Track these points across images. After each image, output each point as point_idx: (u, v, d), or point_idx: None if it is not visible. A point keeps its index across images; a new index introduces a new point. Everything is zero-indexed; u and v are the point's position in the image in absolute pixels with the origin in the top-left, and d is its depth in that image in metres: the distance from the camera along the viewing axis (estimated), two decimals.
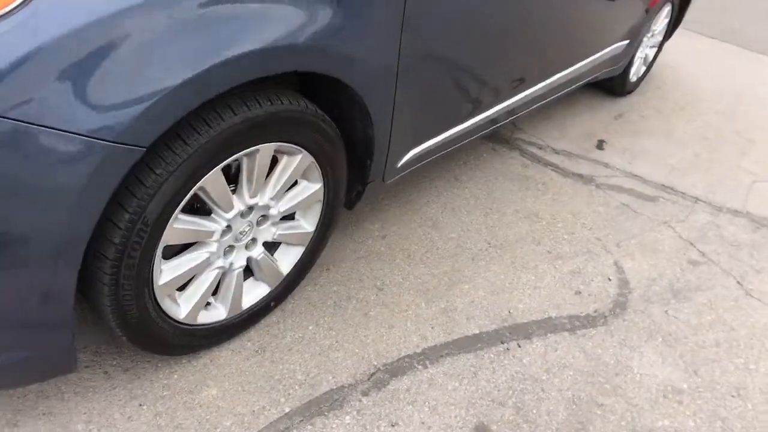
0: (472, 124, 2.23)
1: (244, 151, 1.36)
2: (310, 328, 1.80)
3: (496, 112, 2.32)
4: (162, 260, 1.40)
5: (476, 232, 2.34)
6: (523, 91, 2.48)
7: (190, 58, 1.11)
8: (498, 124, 2.48)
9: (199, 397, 1.56)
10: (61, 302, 1.15)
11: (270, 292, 1.74)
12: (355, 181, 1.85)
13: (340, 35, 1.39)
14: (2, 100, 0.93)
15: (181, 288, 1.50)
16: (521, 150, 3.01)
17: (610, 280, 2.21)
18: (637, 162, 3.08)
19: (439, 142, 2.09)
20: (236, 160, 1.39)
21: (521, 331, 1.92)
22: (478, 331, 1.90)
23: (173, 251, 1.45)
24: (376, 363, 1.73)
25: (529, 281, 2.14)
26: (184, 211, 1.38)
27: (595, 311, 2.06)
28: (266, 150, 1.41)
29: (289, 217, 1.72)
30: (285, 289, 1.78)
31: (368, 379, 1.68)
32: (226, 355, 1.68)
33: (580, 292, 2.13)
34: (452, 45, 1.78)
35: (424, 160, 2.10)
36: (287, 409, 1.58)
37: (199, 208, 1.42)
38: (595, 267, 2.28)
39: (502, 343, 1.87)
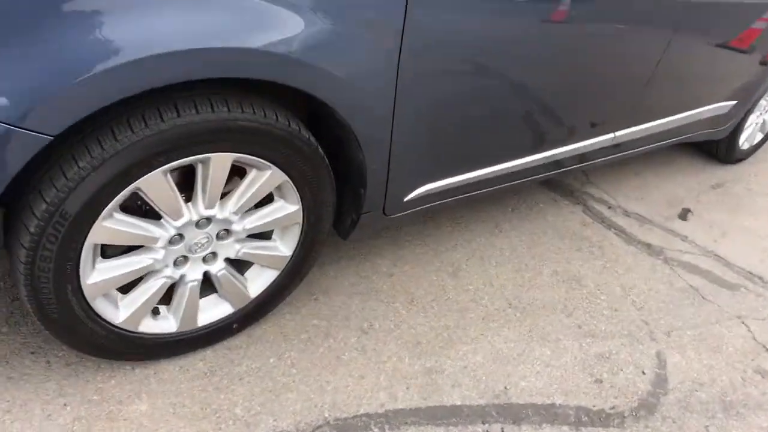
0: (510, 168, 1.98)
1: (191, 157, 1.24)
2: (272, 360, 1.65)
3: (546, 158, 2.05)
4: (100, 259, 1.32)
5: (499, 288, 2.08)
6: (585, 139, 2.18)
7: (115, 46, 1.02)
8: (551, 172, 2.20)
9: (126, 409, 1.45)
10: None
11: (234, 313, 1.61)
12: (350, 209, 1.69)
13: (317, 48, 1.25)
14: None
15: (126, 291, 1.42)
16: (586, 206, 2.67)
17: (644, 373, 1.85)
18: (725, 241, 2.62)
19: (462, 181, 1.87)
20: (186, 165, 1.28)
21: (511, 414, 1.64)
22: (459, 403, 1.64)
23: (120, 251, 1.37)
24: (327, 415, 1.54)
25: (543, 356, 1.84)
26: (128, 211, 1.30)
27: (612, 408, 1.71)
28: (220, 159, 1.29)
29: (265, 236, 1.58)
30: (252, 312, 1.65)
31: (312, 431, 1.49)
32: (172, 370, 1.56)
33: (601, 381, 1.79)
34: (472, 74, 1.57)
35: (443, 199, 1.89)
36: None
37: (148, 211, 1.33)
38: (631, 355, 1.92)
39: (483, 423, 1.60)
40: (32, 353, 1.53)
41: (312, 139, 1.41)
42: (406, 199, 1.74)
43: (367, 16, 1.29)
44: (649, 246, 2.49)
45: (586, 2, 1.71)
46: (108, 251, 1.36)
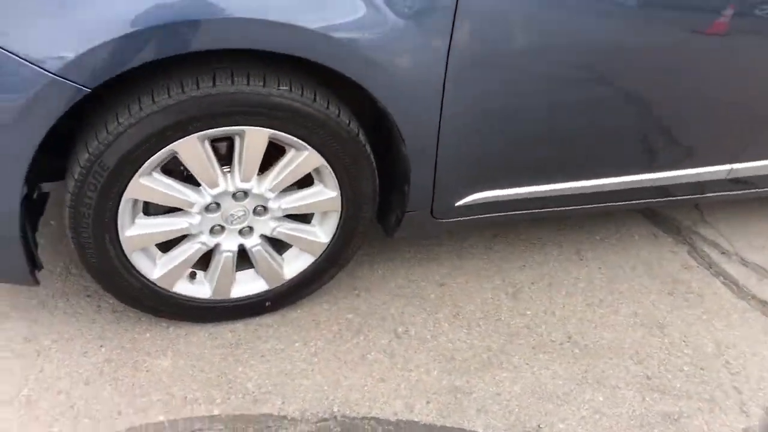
0: (592, 188, 1.79)
1: (225, 128, 1.29)
2: (297, 344, 1.65)
3: (639, 182, 1.83)
4: (141, 215, 1.41)
5: (562, 319, 1.90)
6: (691, 167, 1.92)
7: (154, 7, 1.09)
8: (647, 200, 1.98)
9: (151, 362, 1.54)
10: (4, 210, 1.22)
11: (268, 291, 1.64)
12: (396, 205, 1.64)
13: (362, 31, 1.23)
14: None
15: (167, 251, 1.50)
16: (693, 247, 2.36)
17: None
18: None
19: (531, 195, 1.73)
20: (225, 136, 1.33)
21: None
22: (481, 431, 1.52)
23: (162, 211, 1.45)
24: (336, 410, 1.50)
25: (594, 401, 1.65)
26: (170, 174, 1.37)
27: None
28: (255, 134, 1.32)
29: (306, 220, 1.59)
30: (287, 293, 1.66)
31: (315, 422, 1.47)
32: (201, 335, 1.63)
33: None
34: (543, 72, 1.45)
35: (505, 211, 1.77)
36: (216, 412, 1.46)
37: (189, 177, 1.40)
38: (708, 424, 1.65)
39: None
40: (88, 296, 1.68)
41: (353, 124, 1.40)
42: (457, 204, 1.65)
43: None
44: (765, 304, 2.14)
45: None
46: (151, 210, 1.45)
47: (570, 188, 1.76)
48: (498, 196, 1.70)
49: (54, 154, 1.34)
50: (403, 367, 1.64)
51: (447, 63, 1.35)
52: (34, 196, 1.50)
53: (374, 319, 1.76)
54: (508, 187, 1.69)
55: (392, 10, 1.26)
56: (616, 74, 1.52)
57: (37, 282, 1.40)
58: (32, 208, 1.45)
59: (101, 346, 1.55)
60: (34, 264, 1.37)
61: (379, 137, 1.55)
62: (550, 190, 1.75)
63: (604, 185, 1.77)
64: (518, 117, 1.51)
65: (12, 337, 1.53)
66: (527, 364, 1.72)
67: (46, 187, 1.53)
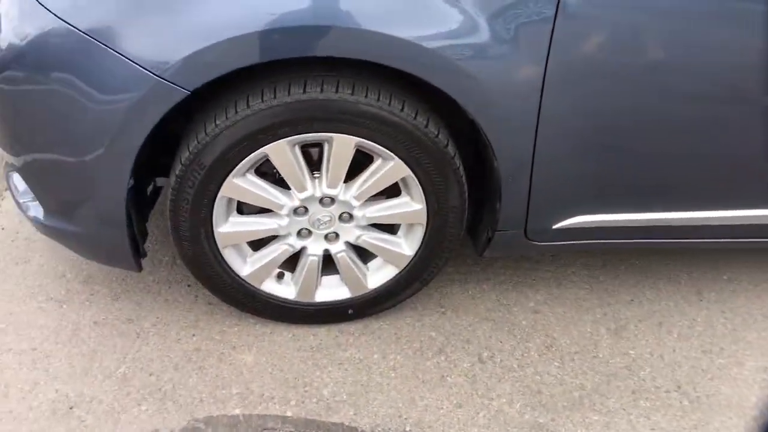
0: (720, 219, 1.59)
1: (314, 134, 1.31)
2: (376, 356, 1.63)
3: None
4: (235, 213, 1.48)
5: (672, 365, 1.70)
6: None
7: (240, 17, 1.14)
8: None
9: (235, 356, 1.60)
10: (109, 201, 1.33)
11: (351, 299, 1.64)
12: (487, 223, 1.57)
13: (454, 40, 1.20)
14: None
15: (258, 249, 1.56)
16: None
17: None
18: None
19: (644, 222, 1.58)
20: (316, 142, 1.36)
21: None
22: None
23: (254, 211, 1.51)
24: (408, 430, 1.46)
25: None
26: (263, 176, 1.43)
27: None
28: (342, 141, 1.33)
29: (392, 230, 1.58)
30: (370, 303, 1.65)
31: None
32: (285, 335, 1.66)
33: None
34: (659, 84, 1.32)
35: (613, 239, 1.63)
36: (289, 413, 1.48)
37: (281, 180, 1.44)
38: None
39: None
40: (188, 286, 1.79)
41: (441, 135, 1.36)
42: (555, 227, 1.55)
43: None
44: None
45: None
46: (244, 209, 1.51)
47: (684, 218, 1.58)
48: (601, 222, 1.57)
49: (169, 151, 1.45)
50: (484, 394, 1.56)
51: (545, 74, 1.27)
52: (149, 189, 1.64)
53: (458, 340, 1.69)
54: (612, 213, 1.56)
55: (487, 20, 1.21)
56: (744, 90, 1.34)
57: (139, 268, 1.51)
58: (144, 200, 1.59)
59: (193, 334, 1.65)
60: (138, 251, 1.49)
61: (471, 150, 1.50)
62: (661, 219, 1.58)
63: (725, 218, 1.57)
64: (624, 135, 1.39)
65: (118, 317, 1.67)
66: (624, 409, 1.56)
67: (161, 182, 1.67)
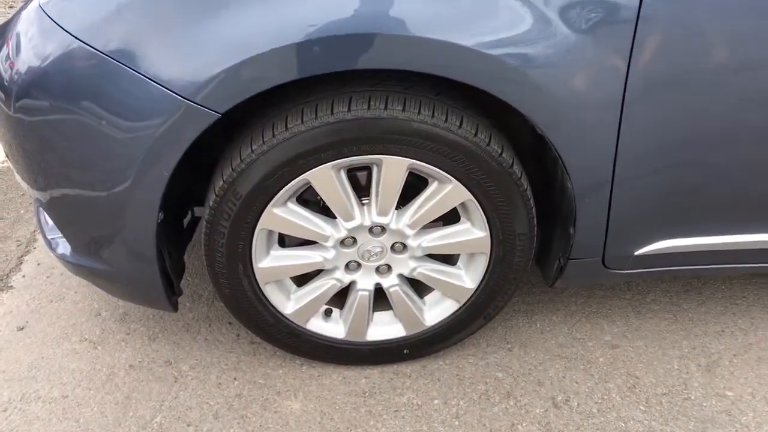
0: None
1: (361, 157, 1.16)
2: (436, 402, 1.45)
3: None
4: (276, 246, 1.34)
5: None
6: None
7: (278, 28, 1.00)
8: None
9: (280, 402, 1.45)
10: (138, 236, 1.21)
11: (406, 337, 1.47)
12: (558, 250, 1.38)
13: (525, 47, 1.04)
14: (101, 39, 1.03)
15: (302, 285, 1.41)
16: None
17: None
18: None
19: (737, 245, 1.37)
20: (363, 165, 1.21)
21: None
22: None
23: (297, 243, 1.37)
24: None
25: None
26: (306, 205, 1.29)
27: None
28: (393, 163, 1.18)
29: (450, 261, 1.41)
30: (428, 342, 1.48)
31: None
32: (335, 378, 1.51)
33: None
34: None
35: (701, 264, 1.42)
36: None
37: (326, 208, 1.29)
38: None
39: None
40: (229, 323, 1.66)
41: (506, 154, 1.19)
42: (638, 253, 1.35)
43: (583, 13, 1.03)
44: None
45: None
46: (287, 241, 1.37)
47: None
48: (690, 246, 1.36)
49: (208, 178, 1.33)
50: None
51: (626, 82, 1.09)
52: (186, 220, 1.52)
53: (529, 382, 1.50)
54: (702, 235, 1.35)
55: (564, 24, 1.05)
56: None
57: (174, 308, 1.39)
58: (180, 232, 1.47)
59: (235, 378, 1.51)
60: (172, 290, 1.36)
61: (539, 169, 1.32)
62: (757, 242, 1.36)
63: None
64: (716, 149, 1.19)
65: (155, 359, 1.55)
66: None
67: (199, 212, 1.55)
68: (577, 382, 1.50)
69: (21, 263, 1.89)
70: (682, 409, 1.45)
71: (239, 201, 1.20)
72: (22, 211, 2.14)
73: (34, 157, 1.15)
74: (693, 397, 1.48)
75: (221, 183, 1.19)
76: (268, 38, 1.01)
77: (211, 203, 1.22)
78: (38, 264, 1.88)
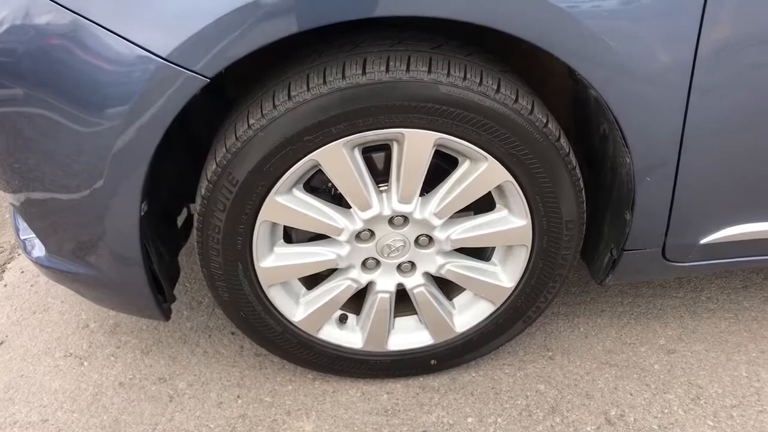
0: None
1: (379, 131, 0.97)
2: (470, 420, 1.26)
3: None
4: (281, 242, 1.15)
5: None
6: None
7: None
8: None
9: (290, 423, 1.26)
10: (119, 234, 1.03)
11: (433, 345, 1.28)
12: (610, 240, 1.19)
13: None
14: None
15: (312, 287, 1.23)
16: None
17: None
18: None
19: None
20: (380, 143, 1.02)
21: None
22: None
23: (306, 238, 1.19)
24: None
25: None
26: (312, 191, 1.10)
27: None
28: (416, 138, 0.99)
29: (482, 255, 1.22)
30: (458, 350, 1.29)
31: None
32: (352, 394, 1.31)
33: None
34: None
35: None
36: None
37: (339, 197, 1.11)
38: None
39: None
40: (232, 333, 1.47)
41: (552, 125, 1.00)
42: (703, 242, 1.15)
43: None
44: None
45: None
46: (293, 236, 1.19)
47: None
48: (762, 233, 1.16)
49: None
50: None
51: (698, 40, 0.90)
52: (179, 218, 1.35)
53: (575, 395, 1.30)
54: None
55: None
56: None
57: (166, 317, 1.20)
58: (172, 232, 1.29)
59: (238, 396, 1.32)
60: (163, 296, 1.18)
61: (586, 144, 1.13)
62: None
63: None
64: None
65: (148, 376, 1.37)
66: None
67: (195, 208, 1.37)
68: (631, 394, 1.30)
69: (3, 271, 1.72)
70: (758, 424, 1.24)
71: (236, 188, 1.01)
72: (7, 216, 1.97)
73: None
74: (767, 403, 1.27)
75: (214, 166, 1.01)
76: None
77: (203, 191, 1.03)
78: (22, 272, 1.70)
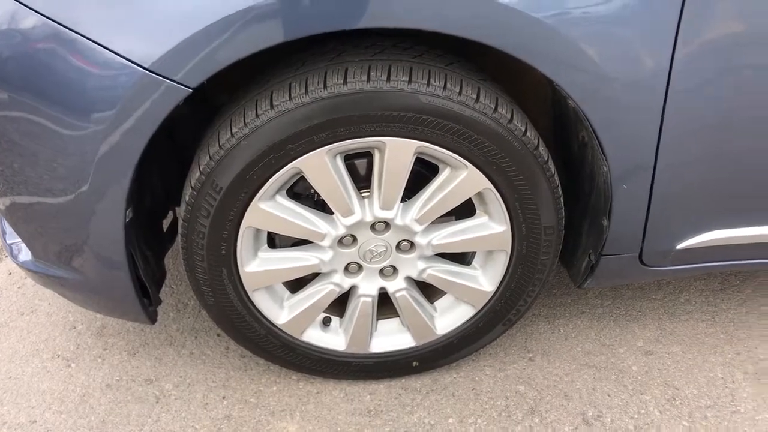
0: None
1: (361, 139, 0.99)
2: (450, 420, 1.28)
3: None
4: (265, 247, 1.17)
5: None
6: None
7: None
8: None
9: (274, 424, 1.28)
10: (105, 236, 1.04)
11: (415, 348, 1.30)
12: (588, 245, 1.21)
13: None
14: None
15: (296, 291, 1.25)
16: None
17: None
18: None
19: None
20: (362, 151, 1.04)
21: None
22: None
23: (290, 244, 1.20)
24: None
25: None
26: (295, 197, 1.12)
27: None
28: (397, 147, 1.01)
29: (463, 260, 1.24)
30: (440, 352, 1.31)
31: None
32: (336, 395, 1.34)
33: None
34: None
35: (748, 258, 1.25)
36: None
37: (322, 203, 1.13)
38: None
39: None
40: (218, 335, 1.49)
41: (531, 133, 1.02)
42: (680, 247, 1.18)
43: None
44: None
45: None
46: (277, 241, 1.21)
47: None
48: (741, 238, 1.19)
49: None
50: None
51: (674, 46, 0.93)
52: (164, 222, 1.36)
53: (554, 396, 1.33)
54: (757, 225, 1.18)
55: None
56: None
57: (152, 320, 1.22)
58: (157, 236, 1.30)
59: (223, 397, 1.34)
60: (149, 299, 1.19)
61: (566, 151, 1.16)
62: None
63: None
64: None
65: (135, 377, 1.38)
66: None
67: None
68: (609, 395, 1.33)
69: None
70: (732, 425, 1.27)
71: (219, 195, 1.03)
72: None
73: None
74: (743, 410, 1.30)
75: (198, 174, 1.02)
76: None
77: (187, 198, 1.05)
78: (9, 273, 1.71)
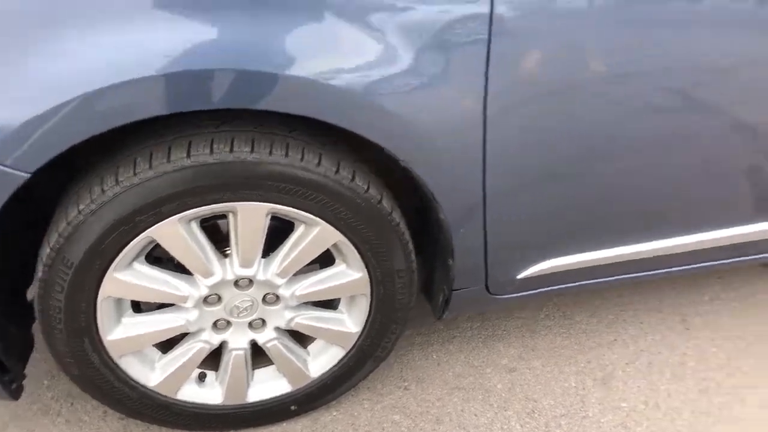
0: (692, 245, 1.41)
1: (211, 206, 1.04)
2: None
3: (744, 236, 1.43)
4: (130, 312, 1.18)
5: (670, 414, 1.47)
6: None
7: (86, 69, 0.86)
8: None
9: None
10: None
11: (292, 393, 1.35)
12: (441, 283, 1.32)
13: (371, 75, 0.96)
14: None
15: (167, 351, 1.26)
16: None
17: None
18: None
19: (613, 258, 1.37)
20: (214, 216, 1.08)
21: None
22: None
23: (155, 306, 1.22)
24: None
25: None
26: (156, 261, 1.14)
27: None
28: (249, 211, 1.06)
29: (331, 306, 1.31)
30: (316, 393, 1.37)
31: None
32: None
33: None
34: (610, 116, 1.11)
35: (583, 280, 1.41)
36: None
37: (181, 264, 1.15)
38: None
39: None
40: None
41: (373, 190, 1.11)
42: (520, 277, 1.31)
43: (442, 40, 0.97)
44: None
45: None
46: (143, 306, 1.22)
47: (661, 248, 1.38)
48: (572, 264, 1.34)
49: None
50: None
51: (485, 103, 1.05)
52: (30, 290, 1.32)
53: (426, 422, 1.42)
54: (584, 252, 1.34)
55: (410, 48, 0.98)
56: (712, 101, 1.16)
57: (14, 397, 1.18)
58: (21, 307, 1.27)
59: None
60: (8, 373, 1.16)
61: (414, 200, 1.25)
62: (641, 251, 1.37)
63: (704, 241, 1.38)
64: (584, 162, 1.18)
65: None
66: None
67: None
68: (476, 415, 1.44)
69: None
70: (581, 428, 1.42)
71: (71, 269, 1.03)
72: None
73: None
74: (591, 414, 1.46)
75: (48, 251, 1.02)
76: (75, 83, 0.86)
77: (40, 275, 1.05)
78: None
